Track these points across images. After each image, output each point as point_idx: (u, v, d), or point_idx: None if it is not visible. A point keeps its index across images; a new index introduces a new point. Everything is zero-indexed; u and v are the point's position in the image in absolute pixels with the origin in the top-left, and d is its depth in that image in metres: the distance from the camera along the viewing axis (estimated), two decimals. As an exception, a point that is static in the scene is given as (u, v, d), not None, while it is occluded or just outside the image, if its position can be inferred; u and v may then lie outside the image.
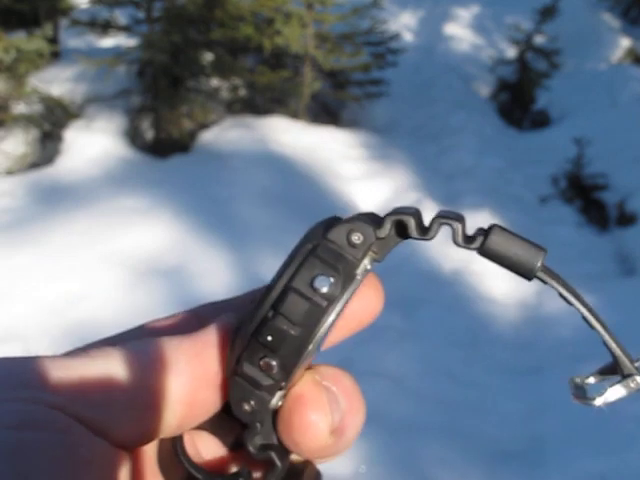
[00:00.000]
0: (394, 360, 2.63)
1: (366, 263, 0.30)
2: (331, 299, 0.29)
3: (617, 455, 2.20)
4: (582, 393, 0.30)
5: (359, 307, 0.31)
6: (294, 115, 4.67)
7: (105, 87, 4.43)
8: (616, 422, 2.34)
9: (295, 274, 0.29)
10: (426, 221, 0.31)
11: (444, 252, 3.36)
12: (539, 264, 0.30)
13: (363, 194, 3.94)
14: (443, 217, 0.30)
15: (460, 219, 0.31)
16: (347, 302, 0.29)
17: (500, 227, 0.30)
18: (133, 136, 4.33)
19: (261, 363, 0.28)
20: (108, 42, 5.13)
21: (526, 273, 0.30)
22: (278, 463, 0.29)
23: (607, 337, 0.30)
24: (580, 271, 3.36)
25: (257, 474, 0.31)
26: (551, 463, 2.20)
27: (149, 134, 4.42)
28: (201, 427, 0.31)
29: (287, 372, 0.29)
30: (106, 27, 4.62)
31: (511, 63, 5.73)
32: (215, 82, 4.74)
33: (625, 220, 4.01)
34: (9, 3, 4.56)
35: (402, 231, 0.31)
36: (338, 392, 0.29)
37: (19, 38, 4.33)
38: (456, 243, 0.30)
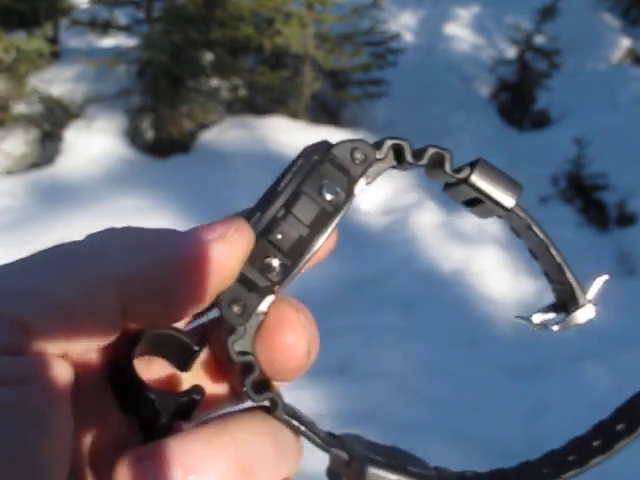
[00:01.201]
0: (394, 360, 2.63)
1: (363, 182, 0.32)
2: (336, 207, 0.30)
3: (617, 455, 2.20)
4: (542, 322, 0.34)
5: None
6: (294, 115, 4.67)
7: (105, 87, 4.43)
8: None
9: (304, 180, 0.30)
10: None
11: (444, 252, 3.36)
12: (517, 198, 0.33)
13: (363, 194, 3.93)
14: (435, 146, 0.32)
15: (450, 152, 0.32)
16: (340, 219, 0.31)
17: (485, 161, 0.33)
18: (133, 136, 4.33)
19: (263, 263, 0.29)
20: (108, 42, 5.13)
21: (504, 205, 0.33)
22: (256, 367, 0.29)
23: (567, 269, 0.34)
24: (580, 271, 3.35)
25: (211, 390, 0.32)
26: (551, 463, 2.20)
27: (149, 134, 4.42)
28: (151, 352, 0.31)
29: (285, 274, 0.30)
30: (106, 27, 4.62)
31: (511, 63, 5.73)
32: (215, 82, 4.74)
33: (625, 220, 4.01)
34: (9, 3, 4.56)
35: (398, 155, 0.33)
36: (305, 319, 0.31)
37: (19, 38, 4.33)
38: (446, 172, 0.32)
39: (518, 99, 5.59)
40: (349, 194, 0.31)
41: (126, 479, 0.26)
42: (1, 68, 4.15)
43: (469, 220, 3.61)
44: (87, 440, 0.29)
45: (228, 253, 0.28)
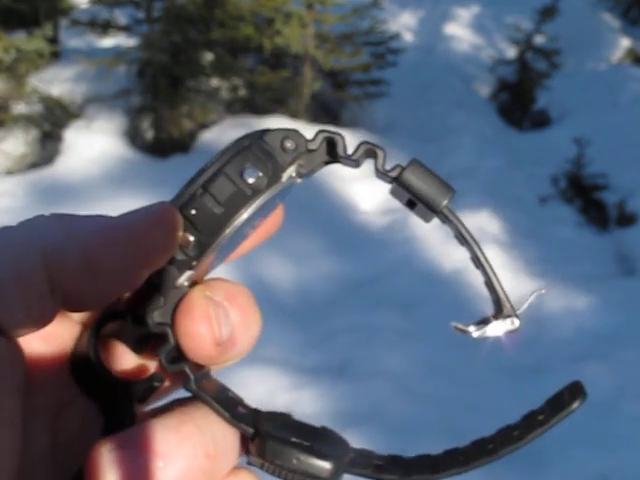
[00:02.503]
0: (394, 360, 2.63)
1: (292, 170, 0.33)
2: (255, 190, 0.31)
3: (617, 454, 2.20)
4: (463, 327, 0.34)
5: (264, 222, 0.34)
6: (294, 115, 4.67)
7: (105, 87, 4.43)
8: (616, 422, 2.34)
9: (228, 162, 0.31)
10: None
11: (444, 252, 3.36)
12: (446, 201, 0.33)
13: (363, 194, 3.94)
14: (369, 143, 0.33)
15: (383, 149, 0.33)
16: (266, 203, 0.32)
17: (418, 162, 0.33)
18: (133, 136, 4.33)
19: (181, 237, 0.30)
20: (108, 42, 5.13)
21: (434, 207, 0.33)
22: (171, 339, 0.30)
23: (494, 279, 0.33)
24: (580, 271, 3.36)
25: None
26: (551, 463, 2.20)
27: (149, 134, 4.42)
28: (108, 335, 0.32)
29: (201, 250, 0.31)
30: (106, 27, 4.62)
31: (511, 63, 5.73)
32: (215, 82, 4.73)
33: (625, 220, 4.01)
34: (9, 3, 4.56)
35: (331, 149, 0.34)
36: (229, 306, 0.31)
37: (19, 38, 4.32)
38: (377, 170, 0.33)
39: (518, 99, 5.59)
40: (272, 180, 0.31)
41: (103, 466, 0.27)
42: (1, 68, 4.15)
43: (469, 220, 3.60)
44: (47, 429, 0.29)
45: (154, 232, 0.29)
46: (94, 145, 4.08)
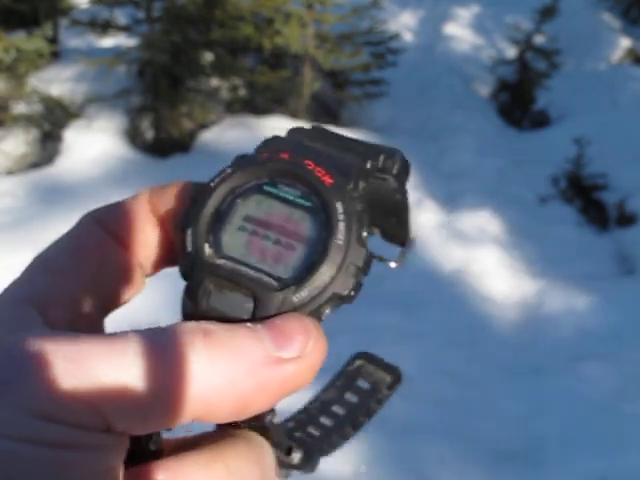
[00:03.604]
0: (394, 360, 2.63)
1: None
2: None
3: (617, 455, 2.20)
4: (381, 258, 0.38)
5: None
6: (294, 115, 4.67)
7: (105, 87, 4.43)
8: (616, 422, 2.34)
9: (359, 230, 0.31)
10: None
11: (444, 252, 3.36)
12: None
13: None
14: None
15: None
16: None
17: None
18: (133, 136, 4.33)
19: (321, 310, 0.31)
20: (108, 42, 5.13)
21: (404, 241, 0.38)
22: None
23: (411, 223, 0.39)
24: (580, 271, 3.36)
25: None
26: (551, 463, 2.20)
27: (149, 134, 4.42)
28: None
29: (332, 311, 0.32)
30: (106, 27, 4.62)
31: (511, 63, 5.73)
32: (215, 82, 4.74)
33: (625, 220, 4.01)
34: (9, 3, 4.56)
35: None
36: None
37: (19, 38, 4.33)
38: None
39: (518, 99, 5.59)
40: None
41: None
42: (1, 68, 4.16)
43: (469, 220, 3.61)
44: None
45: (303, 375, 0.29)
46: (94, 145, 4.08)
